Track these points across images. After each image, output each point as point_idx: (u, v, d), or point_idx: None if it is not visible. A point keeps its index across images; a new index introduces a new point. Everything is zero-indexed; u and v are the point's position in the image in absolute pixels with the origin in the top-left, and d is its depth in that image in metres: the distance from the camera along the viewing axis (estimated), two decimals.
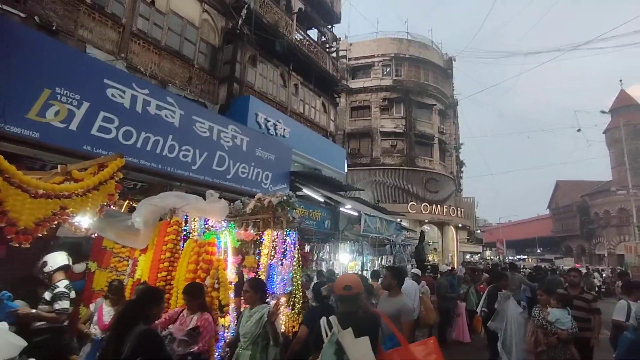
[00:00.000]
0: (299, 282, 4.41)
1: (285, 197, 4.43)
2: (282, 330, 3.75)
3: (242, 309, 3.57)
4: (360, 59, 24.05)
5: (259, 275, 4.08)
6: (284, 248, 4.19)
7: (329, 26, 14.85)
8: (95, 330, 3.80)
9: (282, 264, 4.11)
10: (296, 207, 4.95)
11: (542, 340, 4.02)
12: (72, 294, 3.85)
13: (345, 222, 10.75)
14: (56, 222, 3.03)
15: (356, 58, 24.00)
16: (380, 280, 5.51)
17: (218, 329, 3.49)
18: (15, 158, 4.39)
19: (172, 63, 8.05)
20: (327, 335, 2.32)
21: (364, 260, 10.17)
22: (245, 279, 3.86)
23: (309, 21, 13.64)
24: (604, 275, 21.07)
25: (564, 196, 48.54)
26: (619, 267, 23.37)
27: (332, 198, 9.44)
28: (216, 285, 3.55)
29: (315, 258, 8.94)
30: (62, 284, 3.78)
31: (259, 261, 4.25)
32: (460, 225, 24.27)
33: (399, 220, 12.06)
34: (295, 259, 4.23)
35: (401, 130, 22.64)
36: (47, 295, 3.70)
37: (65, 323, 3.83)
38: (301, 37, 12.24)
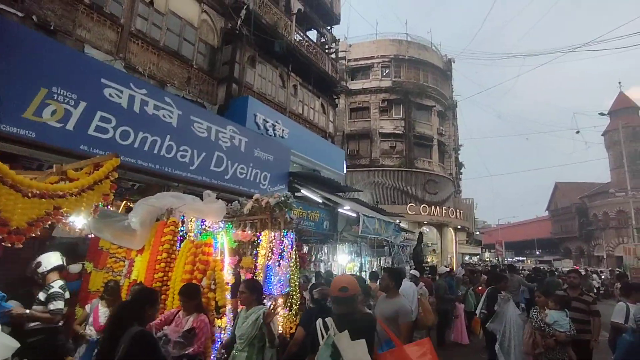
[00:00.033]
0: (297, 283, 4.38)
1: (283, 198, 4.41)
2: (280, 332, 3.72)
3: (238, 310, 3.55)
4: (359, 60, 24.05)
5: (256, 276, 4.06)
6: (281, 249, 4.16)
7: (328, 27, 14.84)
8: (90, 331, 3.79)
9: (279, 265, 4.09)
10: (294, 208, 4.92)
11: (540, 342, 4.02)
12: (67, 295, 3.81)
13: (343, 223, 10.73)
14: (50, 222, 3.00)
15: (355, 59, 24.02)
16: (378, 281, 5.49)
17: (214, 330, 3.46)
18: (12, 158, 4.37)
19: (170, 63, 8.03)
20: (323, 337, 2.29)
21: (363, 262, 10.13)
22: (242, 280, 3.83)
23: (308, 22, 13.64)
24: (602, 277, 21.03)
25: (563, 198, 48.62)
26: (617, 269, 23.39)
27: (330, 199, 9.42)
28: (213, 286, 3.52)
29: (313, 259, 8.89)
30: (56, 285, 3.74)
31: (256, 262, 4.22)
32: (459, 226, 24.25)
33: (397, 221, 12.04)
34: (292, 260, 4.21)
35: (400, 132, 22.65)
36: (41, 296, 3.67)
37: (60, 324, 3.80)
38: (300, 38, 12.23)
